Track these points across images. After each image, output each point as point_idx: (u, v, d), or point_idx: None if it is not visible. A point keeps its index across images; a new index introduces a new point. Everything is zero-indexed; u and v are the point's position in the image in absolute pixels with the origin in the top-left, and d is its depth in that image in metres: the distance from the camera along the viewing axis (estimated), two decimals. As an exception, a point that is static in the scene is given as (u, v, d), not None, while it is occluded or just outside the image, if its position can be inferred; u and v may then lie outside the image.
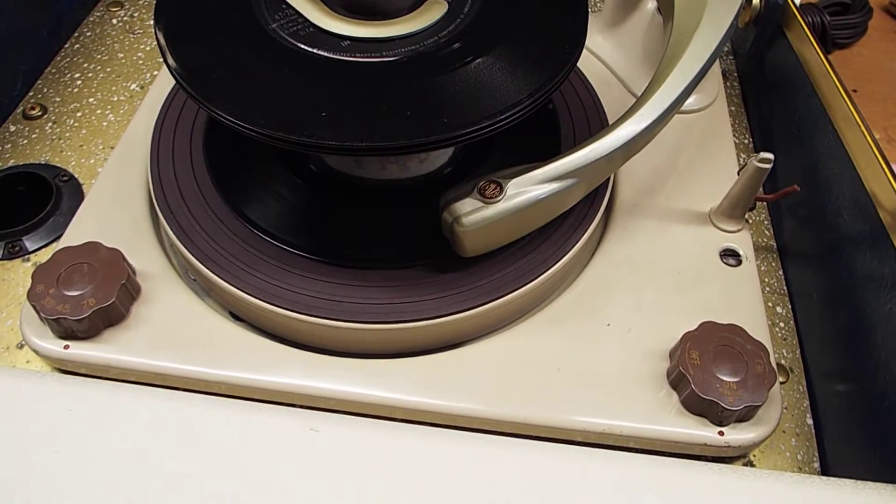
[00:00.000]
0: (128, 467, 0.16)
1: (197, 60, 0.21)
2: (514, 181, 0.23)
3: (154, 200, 0.26)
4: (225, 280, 0.23)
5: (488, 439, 0.18)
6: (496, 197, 0.23)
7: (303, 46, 0.22)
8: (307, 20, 0.22)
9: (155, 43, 0.36)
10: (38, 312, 0.23)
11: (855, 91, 0.51)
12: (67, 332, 0.23)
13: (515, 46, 0.23)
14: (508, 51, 0.23)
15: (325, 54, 0.21)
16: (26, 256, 0.27)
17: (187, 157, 0.27)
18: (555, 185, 0.23)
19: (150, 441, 0.17)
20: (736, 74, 0.37)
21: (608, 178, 0.27)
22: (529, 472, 0.17)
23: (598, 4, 0.40)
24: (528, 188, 0.23)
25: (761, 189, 0.27)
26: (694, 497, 0.16)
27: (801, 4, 0.42)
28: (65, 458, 0.17)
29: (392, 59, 0.22)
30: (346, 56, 0.21)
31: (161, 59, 0.35)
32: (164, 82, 0.31)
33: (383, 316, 0.23)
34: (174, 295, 0.25)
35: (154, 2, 0.37)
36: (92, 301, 0.23)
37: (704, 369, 0.22)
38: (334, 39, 0.22)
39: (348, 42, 0.22)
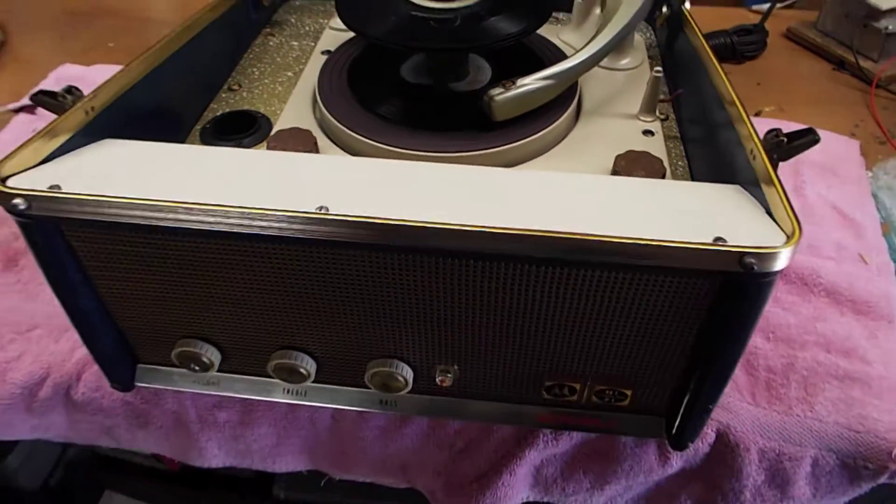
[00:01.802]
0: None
1: (364, 22, 0.43)
2: (520, 80, 0.43)
3: (321, 104, 0.46)
4: (366, 138, 0.44)
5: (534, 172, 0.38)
6: (512, 87, 0.43)
7: (413, 12, 0.44)
8: (415, 4, 0.44)
9: (295, 52, 0.59)
10: (272, 156, 0.43)
11: (759, 84, 0.72)
12: (288, 166, 0.43)
13: (515, 11, 0.45)
14: (510, 14, 0.44)
15: (424, 15, 0.43)
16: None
17: (336, 86, 0.48)
18: (542, 83, 0.44)
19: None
20: (659, 57, 0.59)
21: (575, 86, 0.47)
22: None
23: (562, 17, 0.63)
24: (528, 83, 0.44)
25: (665, 94, 0.48)
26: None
27: (713, 31, 0.65)
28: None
29: (456, 15, 0.44)
30: (437, 15, 0.43)
31: (303, 60, 0.58)
32: (310, 69, 0.53)
33: (455, 149, 0.43)
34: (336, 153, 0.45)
35: (292, 31, 0.61)
36: (301, 148, 0.43)
37: (628, 167, 0.42)
38: (429, 10, 0.44)
39: (435, 10, 0.44)
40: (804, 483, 0.41)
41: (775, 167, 0.34)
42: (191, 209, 0.30)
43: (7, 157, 0.33)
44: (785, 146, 0.34)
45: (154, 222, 0.31)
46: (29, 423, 0.47)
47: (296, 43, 0.61)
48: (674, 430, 0.38)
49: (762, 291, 0.29)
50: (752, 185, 0.35)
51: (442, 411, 0.40)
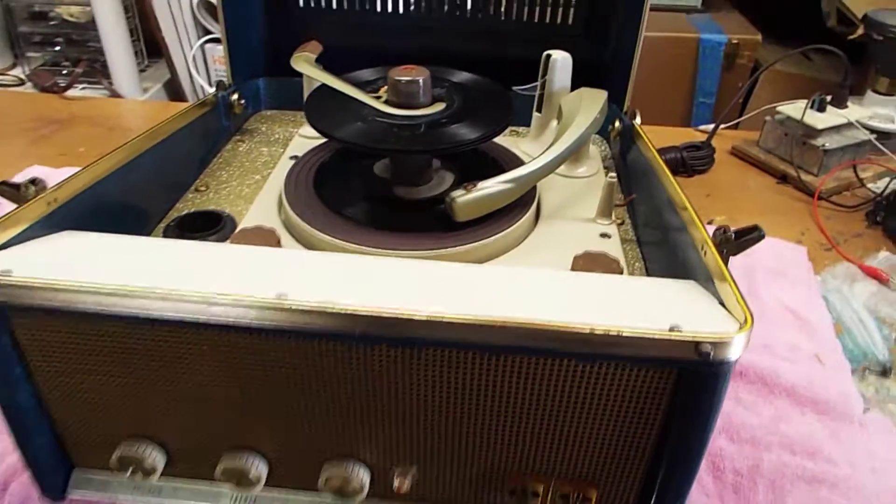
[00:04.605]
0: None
1: (331, 127, 0.45)
2: (480, 183, 0.45)
3: (287, 204, 0.47)
4: (330, 236, 0.44)
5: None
6: (473, 189, 0.45)
7: (379, 119, 0.46)
8: (381, 111, 0.47)
9: (264, 158, 0.61)
10: (234, 253, 0.43)
11: (708, 195, 0.76)
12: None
13: (474, 121, 0.47)
14: (471, 123, 0.47)
15: (391, 122, 0.45)
16: (210, 247, 0.48)
17: (302, 188, 0.49)
18: (501, 186, 0.46)
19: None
20: (614, 165, 0.62)
21: (534, 190, 0.49)
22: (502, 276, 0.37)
23: (521, 131, 0.66)
24: (489, 185, 0.45)
25: (621, 198, 0.50)
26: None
27: (664, 147, 0.69)
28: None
29: (420, 122, 0.46)
30: (402, 122, 0.45)
31: (271, 165, 0.59)
32: (277, 173, 0.55)
33: (418, 248, 0.43)
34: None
35: (262, 138, 0.63)
36: (265, 245, 0.44)
37: (586, 267, 0.43)
38: (394, 117, 0.46)
39: (399, 116, 0.46)
40: None
41: (726, 262, 0.35)
42: (145, 295, 0.30)
43: (-40, 245, 0.32)
44: (734, 242, 0.36)
45: (106, 310, 0.30)
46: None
47: (265, 149, 0.62)
48: (642, 537, 0.36)
49: (719, 381, 0.29)
50: (706, 280, 0.36)
51: (400, 520, 0.38)
